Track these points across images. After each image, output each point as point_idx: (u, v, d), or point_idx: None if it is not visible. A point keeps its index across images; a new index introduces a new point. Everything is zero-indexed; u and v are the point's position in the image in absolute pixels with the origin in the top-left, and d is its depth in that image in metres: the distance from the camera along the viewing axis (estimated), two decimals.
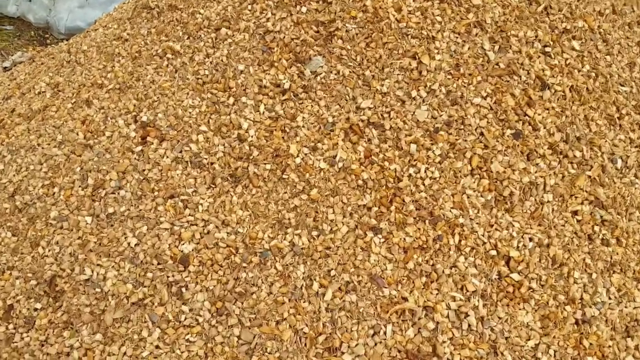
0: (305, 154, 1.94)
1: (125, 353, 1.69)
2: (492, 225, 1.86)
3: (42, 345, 1.75)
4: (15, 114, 2.36)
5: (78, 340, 1.73)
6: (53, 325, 1.78)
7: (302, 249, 1.81)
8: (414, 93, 2.03)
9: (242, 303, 1.75)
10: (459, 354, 1.65)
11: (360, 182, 1.90)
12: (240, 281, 1.78)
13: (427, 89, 2.04)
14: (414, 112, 2.00)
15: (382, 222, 1.85)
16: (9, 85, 2.66)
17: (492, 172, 1.93)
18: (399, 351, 1.65)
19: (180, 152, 2.00)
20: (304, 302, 1.74)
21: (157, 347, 1.69)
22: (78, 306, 1.78)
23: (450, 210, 1.87)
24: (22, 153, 2.16)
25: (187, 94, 2.12)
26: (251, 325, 1.70)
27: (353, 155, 1.93)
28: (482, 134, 1.99)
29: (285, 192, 1.91)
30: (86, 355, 1.70)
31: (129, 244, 1.85)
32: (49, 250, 1.90)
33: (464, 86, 2.06)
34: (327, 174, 1.92)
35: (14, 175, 2.10)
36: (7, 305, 1.83)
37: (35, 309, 1.81)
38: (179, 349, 1.68)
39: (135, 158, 2.02)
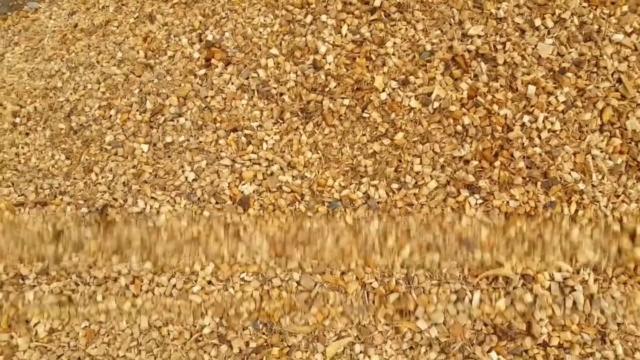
0: (393, 89, 1.64)
1: (174, 285, 1.56)
2: (618, 196, 1.53)
3: (90, 268, 1.66)
4: (78, 30, 2.23)
5: (127, 266, 1.61)
6: (102, 249, 1.67)
7: (378, 202, 1.55)
8: (537, 21, 1.65)
9: (305, 248, 1.53)
10: (558, 336, 1.39)
11: (459, 127, 1.59)
12: (304, 231, 1.56)
13: (555, 18, 1.65)
14: (535, 46, 1.64)
15: (481, 180, 1.55)
16: (75, 1, 2.53)
17: (626, 129, 1.57)
18: (485, 324, 1.43)
19: (247, 78, 1.77)
20: (375, 254, 1.50)
21: (209, 282, 1.55)
22: (129, 237, 1.65)
23: (569, 173, 1.54)
24: (81, 71, 2.03)
25: (259, 10, 1.86)
26: (313, 272, 1.51)
27: (454, 93, 1.61)
28: (619, 80, 1.61)
29: (364, 134, 1.64)
30: (133, 283, 1.59)
31: (186, 178, 1.68)
32: (102, 178, 1.78)
33: (603, 18, 1.66)
34: (418, 115, 1.62)
35: (71, 94, 1.99)
36: (57, 232, 1.75)
37: (86, 238, 1.71)
38: (233, 287, 1.53)
39: (197, 82, 1.82)
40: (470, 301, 1.44)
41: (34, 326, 1.60)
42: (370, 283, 1.48)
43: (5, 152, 1.95)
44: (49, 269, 1.68)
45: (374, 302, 1.47)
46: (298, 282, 1.51)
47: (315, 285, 1.49)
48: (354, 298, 1.47)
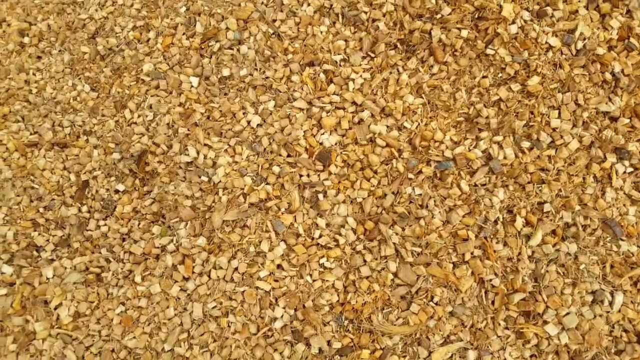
0: (526, 21, 1.31)
1: (236, 269, 1.23)
2: None
3: (124, 240, 1.31)
4: None
5: (172, 241, 1.27)
6: (139, 215, 1.33)
7: (502, 165, 1.22)
8: None
9: (404, 229, 1.22)
10: None
11: (607, 75, 1.27)
12: (402, 197, 1.24)
13: None
14: None
15: (632, 142, 1.24)
16: None
17: None
18: (626, 331, 1.23)
19: None
20: (497, 242, 1.21)
21: (279, 267, 1.24)
22: (175, 196, 1.30)
23: None
24: None
25: None
26: (415, 262, 1.20)
27: (601, 32, 1.28)
28: None
29: (486, 76, 1.31)
30: (183, 264, 1.25)
31: (248, 122, 1.33)
32: (139, 116, 1.41)
33: None
34: (557, 55, 1.28)
35: (96, 11, 1.60)
36: (82, 182, 1.39)
37: (117, 191, 1.36)
38: (310, 275, 1.23)
39: (262, 2, 1.44)
40: (610, 304, 1.20)
41: (54, 309, 1.27)
42: (490, 280, 1.20)
43: (12, 78, 1.55)
44: (70, 240, 1.34)
45: (493, 302, 1.20)
46: (395, 274, 1.20)
47: (418, 279, 1.19)
48: (467, 297, 1.18)
